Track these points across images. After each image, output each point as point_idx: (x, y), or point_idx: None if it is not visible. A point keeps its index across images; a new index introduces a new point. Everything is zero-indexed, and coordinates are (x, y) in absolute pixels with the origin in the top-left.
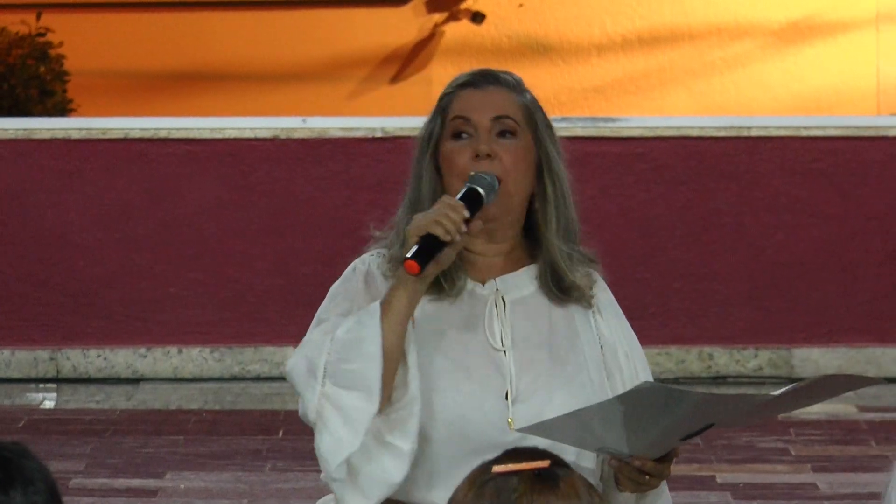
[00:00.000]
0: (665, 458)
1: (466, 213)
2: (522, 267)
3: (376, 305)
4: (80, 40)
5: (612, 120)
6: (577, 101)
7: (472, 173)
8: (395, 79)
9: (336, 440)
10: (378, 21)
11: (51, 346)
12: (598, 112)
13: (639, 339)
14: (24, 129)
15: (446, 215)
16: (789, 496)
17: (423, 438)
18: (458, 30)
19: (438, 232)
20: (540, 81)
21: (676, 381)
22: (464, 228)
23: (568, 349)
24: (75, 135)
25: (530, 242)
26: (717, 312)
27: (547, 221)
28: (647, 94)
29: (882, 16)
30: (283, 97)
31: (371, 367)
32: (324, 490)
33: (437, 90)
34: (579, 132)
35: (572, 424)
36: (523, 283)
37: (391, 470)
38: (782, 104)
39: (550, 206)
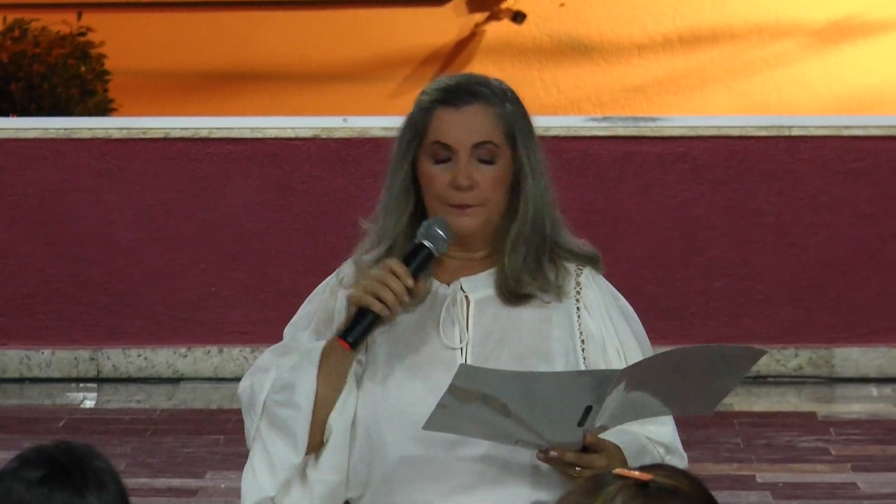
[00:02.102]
0: (591, 449)
1: (410, 283)
2: (491, 268)
3: (317, 354)
4: (120, 40)
5: (653, 119)
6: (617, 101)
7: (429, 222)
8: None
9: (256, 481)
10: (419, 21)
11: (91, 345)
12: (638, 112)
13: (679, 338)
14: (65, 129)
15: (387, 288)
16: (829, 496)
17: (378, 440)
18: (499, 29)
19: (376, 309)
20: (581, 81)
21: None
22: (406, 299)
23: (535, 345)
24: (116, 134)
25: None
26: (757, 312)
27: (508, 236)
28: (687, 93)
29: None
30: (323, 97)
31: (300, 418)
32: None
33: None
34: (620, 132)
35: (482, 416)
36: (489, 283)
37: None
38: (823, 104)
39: (517, 223)
